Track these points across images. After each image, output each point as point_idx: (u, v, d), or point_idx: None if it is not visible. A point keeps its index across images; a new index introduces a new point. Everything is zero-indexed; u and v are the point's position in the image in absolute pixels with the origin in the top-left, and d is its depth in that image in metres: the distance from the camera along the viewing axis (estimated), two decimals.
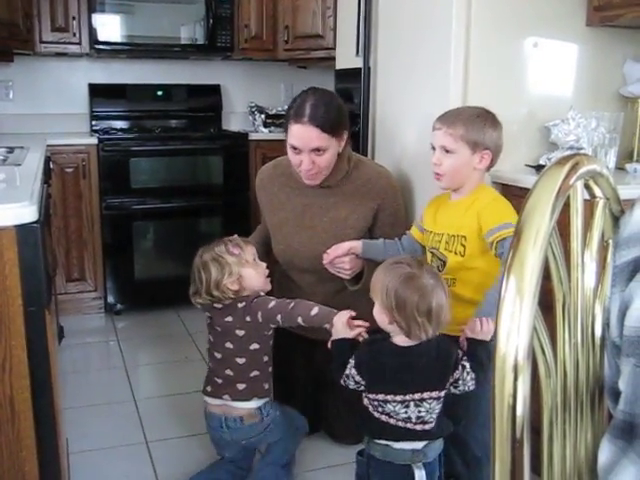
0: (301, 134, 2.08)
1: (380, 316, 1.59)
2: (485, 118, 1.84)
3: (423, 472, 1.61)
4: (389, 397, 1.58)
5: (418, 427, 1.60)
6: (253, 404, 1.93)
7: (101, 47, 3.71)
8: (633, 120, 2.29)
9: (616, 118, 2.22)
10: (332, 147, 2.12)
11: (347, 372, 1.63)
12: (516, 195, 2.13)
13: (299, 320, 1.85)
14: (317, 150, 2.08)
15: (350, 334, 1.71)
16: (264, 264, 1.99)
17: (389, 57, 2.58)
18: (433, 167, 1.86)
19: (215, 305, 1.92)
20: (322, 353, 2.34)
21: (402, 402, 1.58)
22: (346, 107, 2.22)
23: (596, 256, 0.68)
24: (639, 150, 2.29)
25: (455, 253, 1.83)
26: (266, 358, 1.96)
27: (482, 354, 1.65)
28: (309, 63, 4.13)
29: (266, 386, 1.96)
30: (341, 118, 2.15)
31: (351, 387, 1.65)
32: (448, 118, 1.85)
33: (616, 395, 0.69)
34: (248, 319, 1.88)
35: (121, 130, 3.96)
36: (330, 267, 2.09)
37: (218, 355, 1.95)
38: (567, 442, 0.65)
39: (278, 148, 3.87)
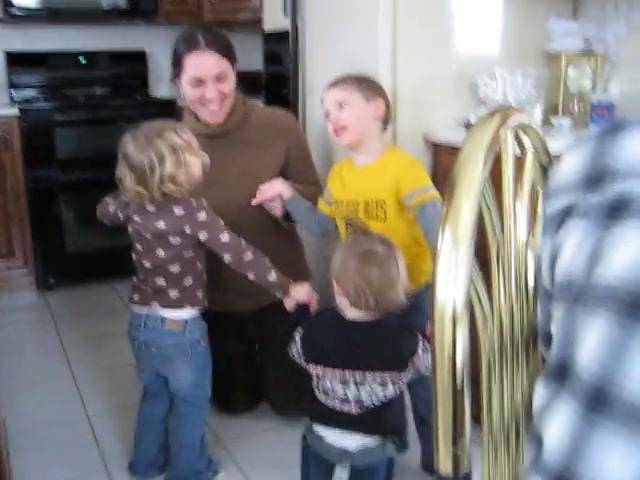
0: (202, 62, 2.02)
1: (334, 288, 1.54)
2: (373, 78, 1.86)
3: (345, 473, 1.53)
4: (328, 370, 1.51)
5: (354, 410, 1.51)
6: (184, 314, 1.83)
7: (16, 12, 3.55)
8: (558, 76, 2.34)
9: (541, 74, 2.27)
10: (231, 75, 2.08)
11: (294, 339, 1.58)
12: (447, 153, 2.16)
13: (250, 276, 1.78)
14: (219, 76, 2.04)
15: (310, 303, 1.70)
16: (205, 154, 1.81)
17: (317, 18, 2.55)
18: (331, 127, 1.82)
19: (147, 207, 1.75)
20: (255, 326, 2.35)
21: (342, 379, 1.50)
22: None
23: (527, 206, 0.70)
24: (564, 105, 2.34)
25: (377, 219, 1.77)
26: (200, 265, 1.85)
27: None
28: (236, 26, 4.05)
29: (200, 295, 1.86)
30: (232, 45, 2.12)
31: (293, 356, 1.59)
32: (337, 79, 1.83)
33: (548, 340, 0.72)
34: (187, 231, 1.74)
35: (43, 100, 3.80)
36: (264, 205, 2.05)
37: (148, 264, 1.81)
38: (505, 388, 0.68)
39: None
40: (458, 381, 0.55)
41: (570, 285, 0.63)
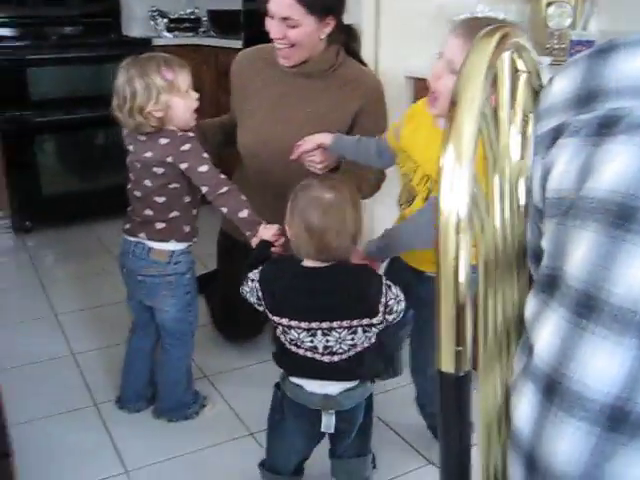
0: None
1: (288, 234, 1.49)
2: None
3: (332, 419, 1.51)
4: (293, 323, 1.45)
5: (326, 358, 1.46)
6: (170, 246, 1.86)
7: None
8: (538, 12, 2.35)
9: (522, 11, 2.27)
10: (307, 25, 1.96)
11: (250, 284, 1.50)
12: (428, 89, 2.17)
13: (223, 210, 1.76)
14: (287, 20, 1.93)
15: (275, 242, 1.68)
16: (195, 95, 1.82)
17: None
18: (430, 80, 1.51)
19: (139, 137, 1.80)
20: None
21: (308, 329, 1.44)
22: None
23: (520, 127, 0.73)
24: (544, 43, 2.35)
25: (420, 198, 1.59)
26: (188, 199, 1.85)
27: (419, 287, 1.60)
28: None
29: (187, 229, 1.88)
30: (330, 1, 1.98)
31: (251, 301, 1.52)
32: (468, 26, 1.45)
33: (537, 257, 0.75)
34: (170, 160, 1.76)
35: (13, 38, 3.70)
36: (300, 162, 1.89)
37: (138, 194, 1.85)
38: (497, 302, 0.72)
39: (184, 54, 3.75)
40: (461, 287, 0.58)
41: (561, 200, 0.67)
